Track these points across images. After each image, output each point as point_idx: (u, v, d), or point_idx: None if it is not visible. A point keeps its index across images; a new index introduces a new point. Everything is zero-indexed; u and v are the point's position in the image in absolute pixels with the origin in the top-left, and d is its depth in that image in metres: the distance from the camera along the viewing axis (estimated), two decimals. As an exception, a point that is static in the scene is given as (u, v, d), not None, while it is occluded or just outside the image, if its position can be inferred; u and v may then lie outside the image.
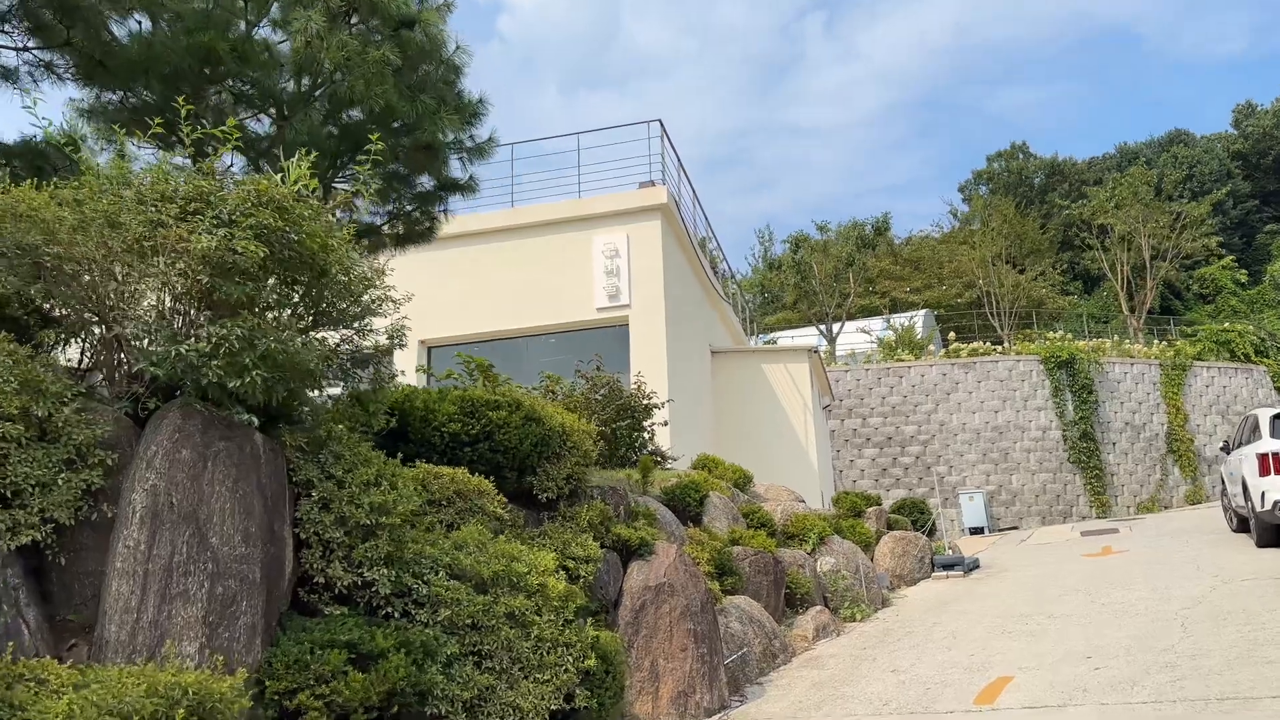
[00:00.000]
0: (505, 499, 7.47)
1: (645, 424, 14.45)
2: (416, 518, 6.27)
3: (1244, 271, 49.49)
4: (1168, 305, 47.51)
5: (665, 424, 14.81)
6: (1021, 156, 70.97)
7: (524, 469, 7.96)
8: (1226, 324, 33.56)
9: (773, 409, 21.45)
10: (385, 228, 10.84)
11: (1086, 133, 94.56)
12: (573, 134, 19.29)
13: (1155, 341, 33.57)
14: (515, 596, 6.01)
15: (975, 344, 30.99)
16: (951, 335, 32.52)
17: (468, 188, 10.95)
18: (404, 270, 19.65)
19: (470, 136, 10.09)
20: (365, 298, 6.41)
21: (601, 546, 8.22)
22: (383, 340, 6.73)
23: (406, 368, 13.68)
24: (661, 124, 19.02)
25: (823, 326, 37.19)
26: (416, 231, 10.98)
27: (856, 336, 35.65)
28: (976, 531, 27.71)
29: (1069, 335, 31.99)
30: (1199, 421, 30.45)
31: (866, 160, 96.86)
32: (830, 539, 13.13)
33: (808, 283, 36.77)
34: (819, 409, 23.69)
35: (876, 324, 36.85)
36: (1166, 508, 28.96)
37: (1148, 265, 37.42)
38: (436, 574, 5.76)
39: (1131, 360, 30.85)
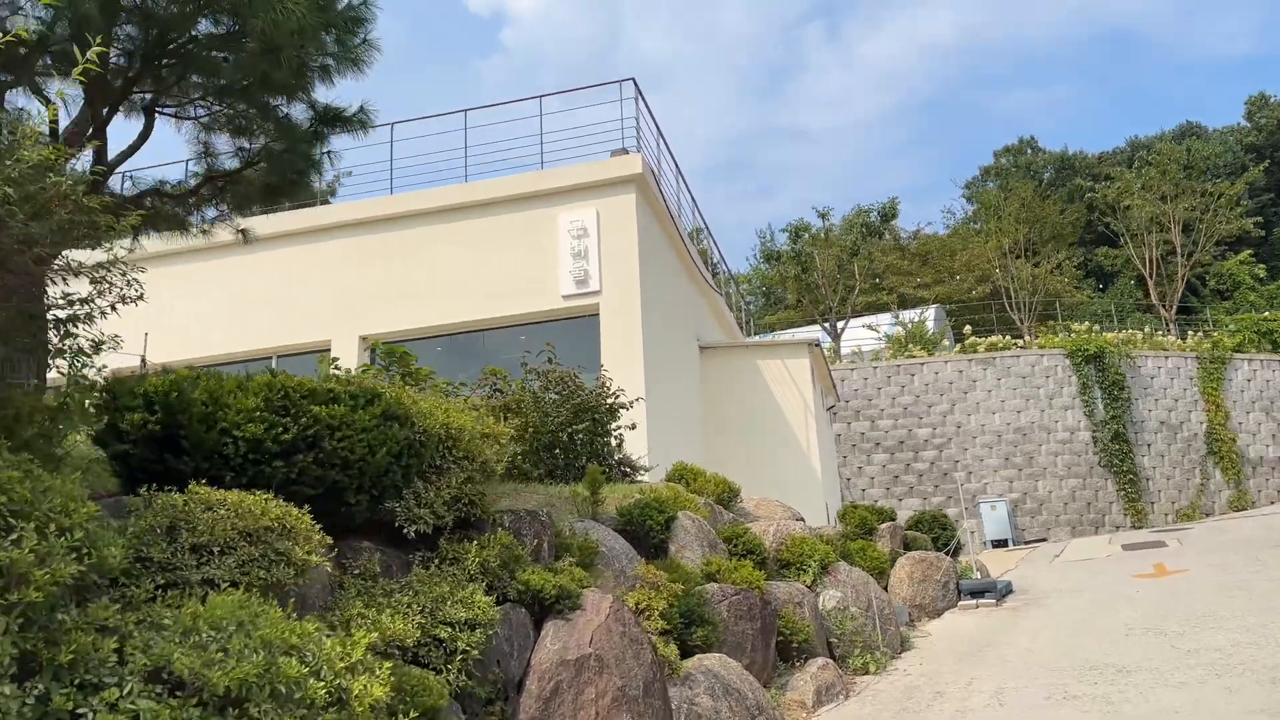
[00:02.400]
0: (339, 537, 4.97)
1: (610, 428, 11.95)
2: (132, 581, 3.78)
3: (1262, 266, 46.73)
4: (1185, 304, 44.77)
5: (633, 427, 12.30)
6: (1030, 151, 68.41)
7: (381, 490, 5.44)
8: (1267, 312, 30.90)
9: (770, 411, 18.92)
10: (250, 172, 8.35)
11: (1095, 131, 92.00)
12: (534, 97, 16.89)
13: (1190, 333, 30.91)
14: (282, 718, 3.48)
15: (994, 338, 28.41)
16: (967, 329, 29.96)
17: (357, 122, 8.45)
18: (339, 253, 17.26)
19: (342, 44, 7.60)
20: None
21: (501, 601, 5.71)
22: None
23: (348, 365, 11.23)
24: (635, 83, 16.55)
25: (827, 325, 34.64)
26: (291, 180, 8.48)
27: (863, 334, 33.08)
28: (1000, 544, 25.12)
29: (1095, 327, 29.37)
30: (1241, 419, 27.79)
31: (870, 164, 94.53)
32: (835, 567, 10.58)
33: (809, 275, 34.12)
34: (823, 410, 21.15)
35: (884, 320, 34.28)
36: (1208, 515, 26.30)
37: (1178, 250, 34.79)
38: (125, 685, 3.25)
39: (1165, 353, 28.23)
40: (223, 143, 8.43)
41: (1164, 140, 64.28)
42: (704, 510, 9.88)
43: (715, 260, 25.79)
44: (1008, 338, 29.01)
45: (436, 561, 5.63)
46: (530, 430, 11.21)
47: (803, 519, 11.97)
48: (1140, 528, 25.74)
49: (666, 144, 18.21)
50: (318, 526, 4.63)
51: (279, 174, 8.55)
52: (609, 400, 11.91)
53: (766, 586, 9.12)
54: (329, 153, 8.71)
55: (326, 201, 16.28)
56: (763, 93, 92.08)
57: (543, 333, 15.95)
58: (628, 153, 16.12)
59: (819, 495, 18.36)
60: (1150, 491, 26.75)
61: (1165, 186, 35.33)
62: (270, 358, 17.07)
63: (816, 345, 19.50)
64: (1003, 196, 40.33)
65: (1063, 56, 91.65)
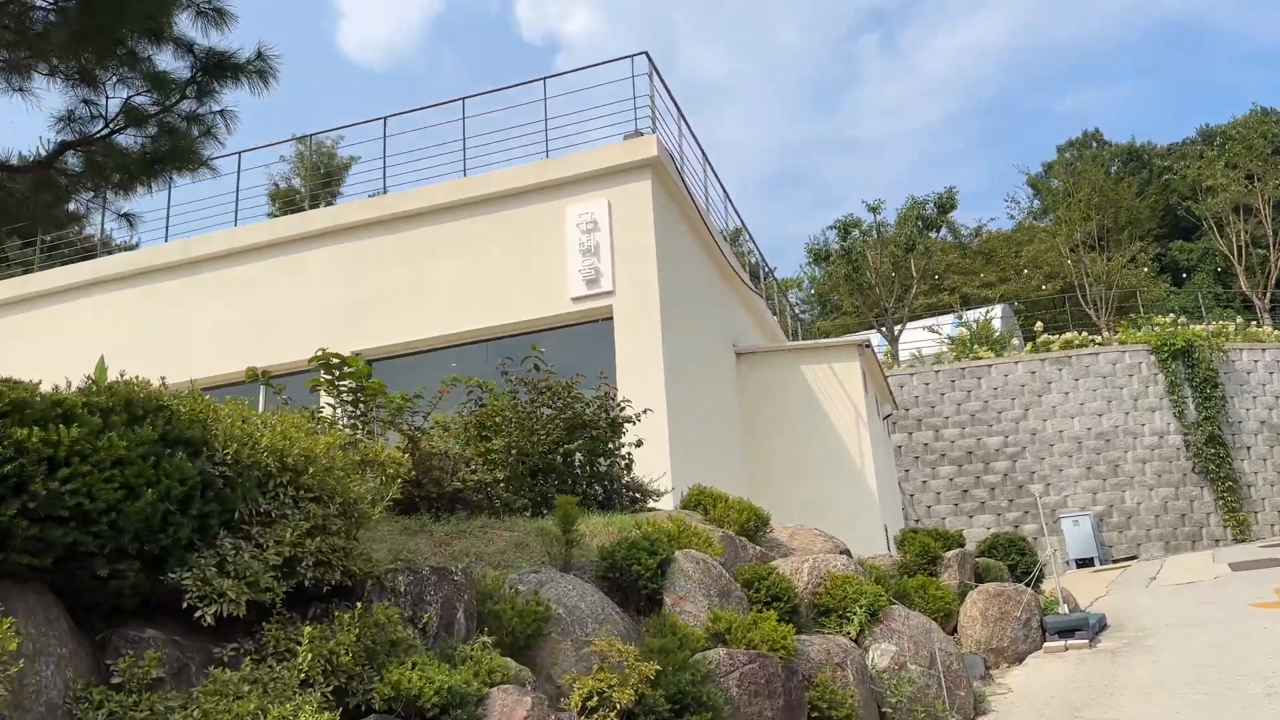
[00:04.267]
0: (116, 622, 3.15)
1: (613, 446, 10.03)
2: None
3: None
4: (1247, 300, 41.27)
5: (639, 444, 10.36)
6: (1095, 145, 65.01)
7: (161, 552, 3.59)
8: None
9: (817, 422, 16.82)
10: (124, 141, 6.64)
11: (1162, 124, 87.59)
12: (538, 79, 15.14)
13: (1288, 322, 27.98)
14: None
15: (1068, 335, 25.86)
16: (1038, 327, 27.41)
17: (252, 70, 6.70)
18: (326, 262, 15.61)
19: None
20: None
21: (357, 716, 3.81)
22: None
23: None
24: (649, 58, 14.68)
25: (884, 329, 32.27)
26: (181, 146, 6.75)
27: (923, 338, 30.67)
28: (1085, 564, 22.59)
29: (1181, 319, 26.64)
30: (1354, 416, 24.84)
31: (931, 171, 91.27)
32: (888, 612, 8.49)
33: (861, 275, 31.74)
34: (878, 420, 18.97)
35: (946, 322, 31.80)
36: (1322, 524, 23.42)
37: (1270, 233, 31.77)
38: None
39: (1262, 345, 25.41)
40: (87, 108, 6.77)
41: (1236, 126, 60.58)
42: (718, 547, 7.88)
43: (757, 264, 23.79)
44: (1084, 334, 26.44)
45: (258, 656, 3.76)
46: (514, 452, 9.36)
47: (847, 551, 9.89)
48: (1244, 541, 22.98)
49: (689, 126, 16.33)
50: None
51: (173, 141, 6.85)
52: (612, 413, 10.00)
53: (797, 645, 7.10)
54: (222, 112, 6.97)
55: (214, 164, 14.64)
56: (820, 106, 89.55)
57: (552, 340, 14.10)
58: (642, 135, 14.25)
59: (876, 516, 16.21)
60: (1253, 500, 23.95)
61: (1252, 164, 32.34)
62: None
63: (867, 346, 17.37)
64: (1072, 181, 37.47)
65: (1122, 52, 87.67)
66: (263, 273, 15.64)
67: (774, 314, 23.05)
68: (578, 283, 13.76)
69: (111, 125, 6.54)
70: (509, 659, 4.62)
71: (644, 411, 10.33)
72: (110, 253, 18.18)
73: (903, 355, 29.83)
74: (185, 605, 3.63)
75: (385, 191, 15.62)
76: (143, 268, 16.51)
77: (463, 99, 15.36)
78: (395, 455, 4.71)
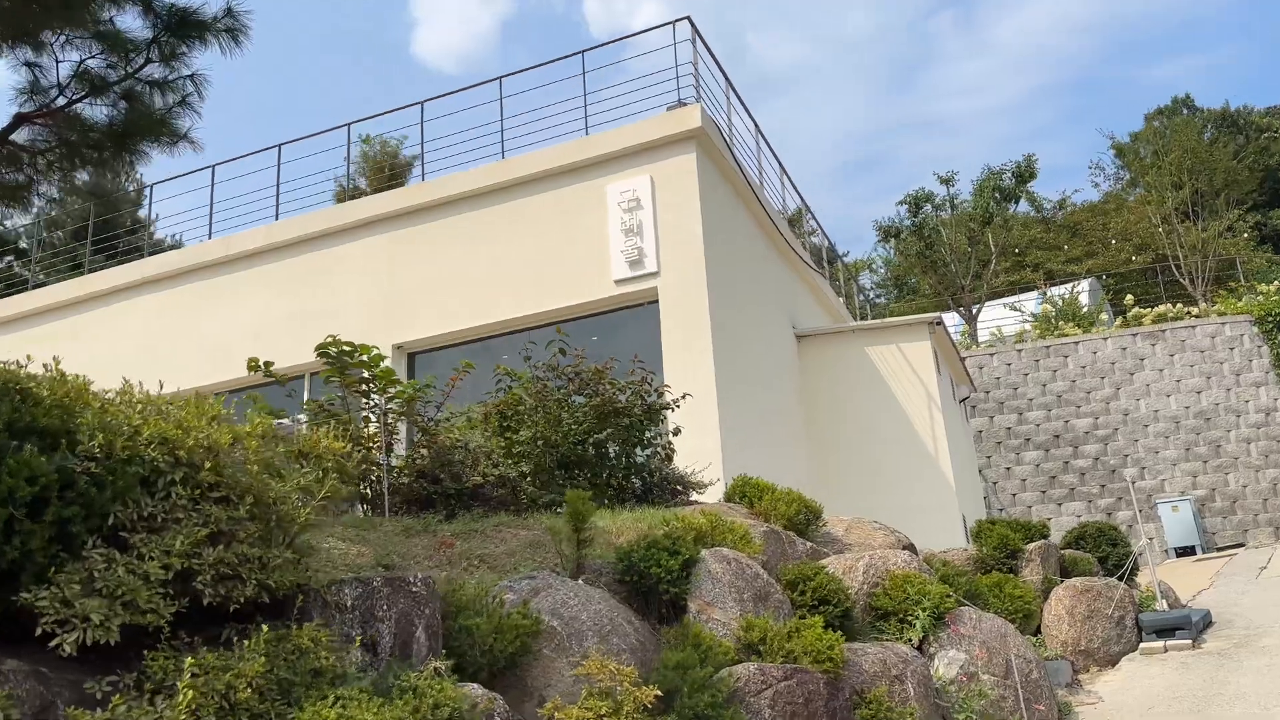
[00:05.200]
0: None
1: (650, 435, 9.25)
2: None
3: None
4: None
5: (677, 432, 9.56)
6: (1186, 111, 61.67)
7: (10, 567, 2.92)
8: None
9: (886, 406, 15.77)
10: (84, 111, 6.08)
11: (1258, 91, 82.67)
12: (576, 53, 14.40)
13: None
14: None
15: (1162, 307, 24.16)
16: (1129, 299, 25.71)
17: (222, 28, 6.08)
18: (363, 255, 15.06)
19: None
20: None
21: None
22: None
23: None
24: (692, 23, 13.80)
25: (962, 310, 30.73)
26: (146, 115, 6.17)
27: (1003, 316, 29.10)
28: (1185, 553, 21.02)
29: (1287, 288, 24.70)
30: None
31: (1015, 148, 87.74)
32: (957, 614, 7.53)
33: (935, 251, 30.17)
34: (952, 403, 17.81)
35: (1029, 299, 30.13)
36: None
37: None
38: None
39: (1378, 313, 23.39)
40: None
41: (1345, 83, 56.68)
42: (756, 544, 7.03)
43: (822, 246, 22.73)
44: (1179, 306, 24.69)
45: (136, 693, 3.07)
46: (540, 443, 8.64)
47: (910, 546, 8.93)
48: (1365, 525, 21.15)
49: (739, 96, 15.39)
50: None
51: (128, 110, 6.27)
52: (648, 400, 9.20)
53: (847, 655, 6.22)
54: (192, 76, 6.36)
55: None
56: (895, 87, 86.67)
57: (596, 326, 13.41)
58: (685, 105, 13.40)
59: (952, 507, 15.11)
60: (1373, 480, 22.04)
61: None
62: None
63: (938, 324, 16.23)
64: (1161, 144, 35.27)
65: (1214, 18, 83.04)
66: (303, 266, 15.23)
67: (840, 296, 21.98)
68: (620, 265, 12.98)
69: (68, 94, 5.96)
70: (474, 687, 3.87)
71: (682, 397, 9.52)
72: (157, 252, 18.02)
73: (982, 335, 28.33)
74: (39, 631, 2.96)
75: (424, 178, 15.06)
76: (187, 266, 16.26)
77: (499, 78, 14.68)
78: (334, 445, 4.01)
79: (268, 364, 7.90)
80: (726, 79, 14.87)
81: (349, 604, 3.95)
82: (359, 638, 3.84)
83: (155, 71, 6.19)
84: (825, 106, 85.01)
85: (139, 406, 3.47)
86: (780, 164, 17.78)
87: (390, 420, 8.07)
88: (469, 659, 4.23)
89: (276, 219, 16.01)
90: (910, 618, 7.28)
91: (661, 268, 12.77)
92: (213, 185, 16.67)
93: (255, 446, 3.61)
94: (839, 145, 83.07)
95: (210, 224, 16.76)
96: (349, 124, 15.67)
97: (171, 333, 15.82)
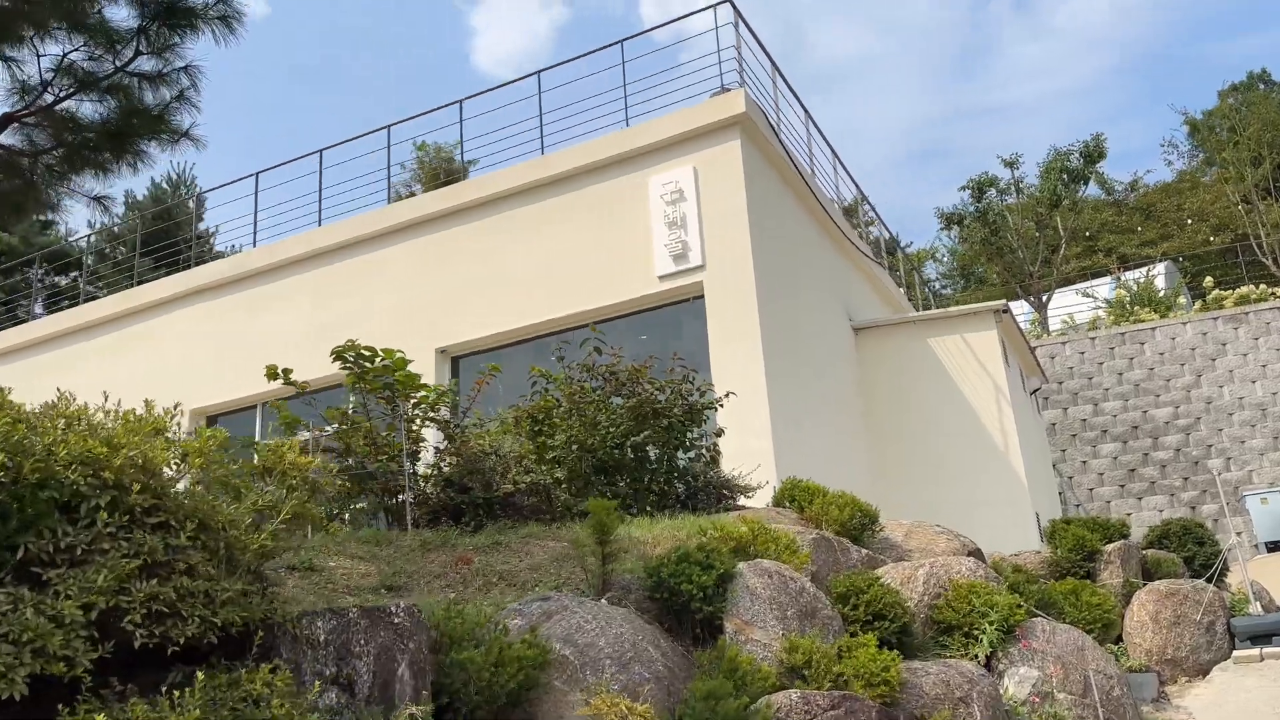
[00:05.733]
0: None
1: (692, 437, 8.72)
2: None
3: None
4: None
5: (720, 434, 9.02)
6: (1263, 86, 59.03)
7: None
8: None
9: (949, 400, 15.01)
10: (75, 109, 5.75)
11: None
12: (615, 43, 13.90)
13: None
14: None
15: (1244, 289, 22.87)
16: (1208, 282, 24.41)
17: (214, 15, 5.71)
18: (404, 258, 14.75)
19: None
20: None
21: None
22: None
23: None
24: (734, 6, 13.23)
25: (1032, 299, 29.54)
26: (141, 110, 5.83)
27: (1075, 303, 27.87)
28: (1276, 548, 19.78)
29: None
30: None
31: (1080, 134, 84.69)
32: (1028, 626, 6.86)
33: (1000, 238, 28.98)
34: (1022, 395, 16.94)
35: (1102, 284, 28.84)
36: None
37: None
38: None
39: None
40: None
41: None
42: (803, 554, 6.45)
43: (878, 238, 21.94)
44: (1262, 288, 23.35)
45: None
46: (575, 447, 8.17)
47: (977, 551, 8.26)
48: None
49: (785, 80, 14.75)
50: None
51: (122, 107, 5.94)
52: (688, 399, 8.67)
53: (905, 675, 5.64)
54: (186, 68, 6.00)
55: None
56: (958, 75, 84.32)
57: (641, 324, 12.95)
58: (728, 91, 12.83)
59: (1025, 505, 14.29)
60: None
61: None
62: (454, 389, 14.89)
63: (1005, 312, 15.41)
64: (1239, 118, 33.58)
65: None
66: (346, 271, 15.01)
67: (901, 287, 21.18)
68: (664, 259, 12.47)
69: (55, 90, 5.64)
70: (464, 731, 3.41)
71: (726, 395, 8.98)
72: (203, 262, 17.99)
73: (1053, 323, 27.17)
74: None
75: (464, 177, 14.72)
76: (233, 275, 16.16)
77: (538, 73, 14.28)
78: (300, 461, 3.58)
79: (286, 371, 7.56)
80: (772, 63, 14.28)
81: (322, 639, 3.51)
82: (328, 678, 3.39)
83: (147, 64, 5.83)
84: (887, 97, 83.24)
85: (62, 421, 3.05)
86: (833, 150, 17.11)
87: (415, 427, 7.67)
88: (463, 697, 3.76)
89: (319, 225, 15.82)
90: (976, 631, 6.64)
91: (707, 261, 12.23)
92: (256, 193, 16.57)
93: (200, 464, 3.19)
94: (903, 136, 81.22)
95: (255, 232, 16.67)
96: (389, 126, 15.40)
97: (218, 343, 15.72)
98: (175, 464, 3.24)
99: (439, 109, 15.03)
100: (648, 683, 4.49)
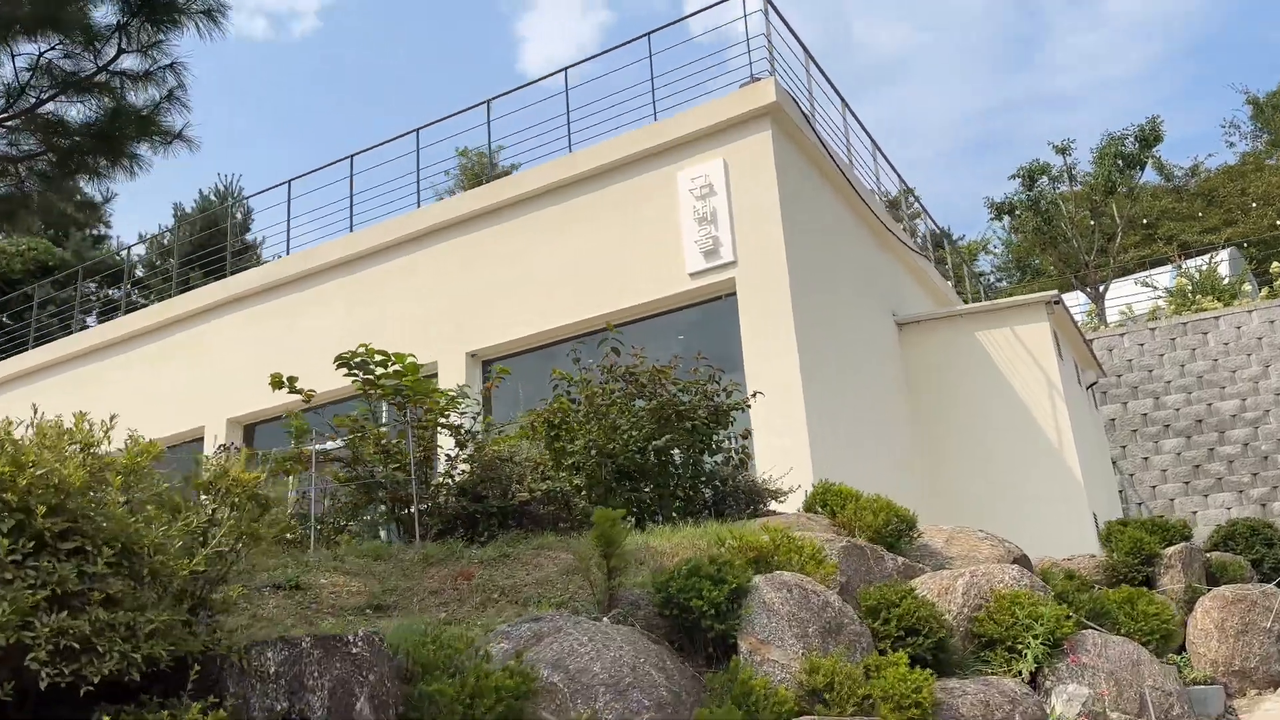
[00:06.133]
0: None
1: (718, 439, 8.34)
2: None
3: None
4: None
5: (747, 436, 8.62)
6: (1333, 63, 56.78)
7: None
8: None
9: (999, 396, 14.42)
10: (59, 112, 5.55)
11: None
12: (642, 36, 13.56)
13: None
14: None
15: (1314, 274, 21.82)
16: (1275, 267, 23.32)
17: (198, 10, 5.47)
18: (433, 263, 14.49)
19: None
20: None
21: None
22: None
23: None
24: (764, -7, 12.79)
25: (1088, 290, 28.55)
26: (130, 114, 5.61)
27: (1133, 292, 26.86)
28: (1357, 545, 18.72)
29: None
30: None
31: (1139, 120, 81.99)
32: (1077, 640, 6.37)
33: (1054, 227, 28.00)
34: (1077, 389, 16.25)
35: (1162, 274, 27.78)
36: None
37: None
38: None
39: None
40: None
41: None
42: (830, 563, 6.04)
43: (925, 230, 21.32)
44: (1334, 272, 22.26)
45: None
46: (594, 453, 7.83)
47: (1023, 558, 7.75)
48: None
49: (820, 68, 14.27)
50: None
51: (109, 109, 5.72)
52: (714, 400, 8.29)
53: (940, 696, 5.21)
54: (172, 65, 5.77)
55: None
56: (1009, 65, 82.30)
57: (672, 323, 12.60)
58: (758, 80, 12.41)
59: (1081, 505, 13.65)
60: None
61: None
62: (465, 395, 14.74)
63: (1057, 303, 14.76)
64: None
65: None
66: (378, 277, 14.87)
67: (950, 281, 20.54)
68: (695, 256, 12.10)
69: (35, 93, 5.44)
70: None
71: (753, 396, 8.57)
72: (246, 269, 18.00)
73: (1110, 315, 26.22)
74: None
75: (493, 177, 14.47)
76: (268, 283, 16.12)
77: (564, 69, 14.01)
78: (244, 477, 3.27)
79: (292, 379, 7.33)
80: (805, 50, 13.82)
81: (272, 671, 3.20)
82: (279, 714, 3.08)
83: (129, 63, 5.61)
84: (937, 91, 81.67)
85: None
86: (873, 141, 16.59)
87: (427, 434, 7.40)
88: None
89: (351, 230, 15.71)
90: (1020, 646, 6.16)
91: (739, 257, 11.83)
92: (289, 201, 16.53)
93: (120, 482, 2.91)
94: (954, 129, 79.62)
95: (288, 239, 16.61)
96: (417, 130, 15.22)
97: (256, 351, 15.65)
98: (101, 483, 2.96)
99: (467, 110, 14.79)
100: (647, 710, 4.13)
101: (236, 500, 3.20)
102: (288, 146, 72.48)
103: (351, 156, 15.89)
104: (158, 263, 32.88)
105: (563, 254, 13.15)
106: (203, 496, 3.25)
